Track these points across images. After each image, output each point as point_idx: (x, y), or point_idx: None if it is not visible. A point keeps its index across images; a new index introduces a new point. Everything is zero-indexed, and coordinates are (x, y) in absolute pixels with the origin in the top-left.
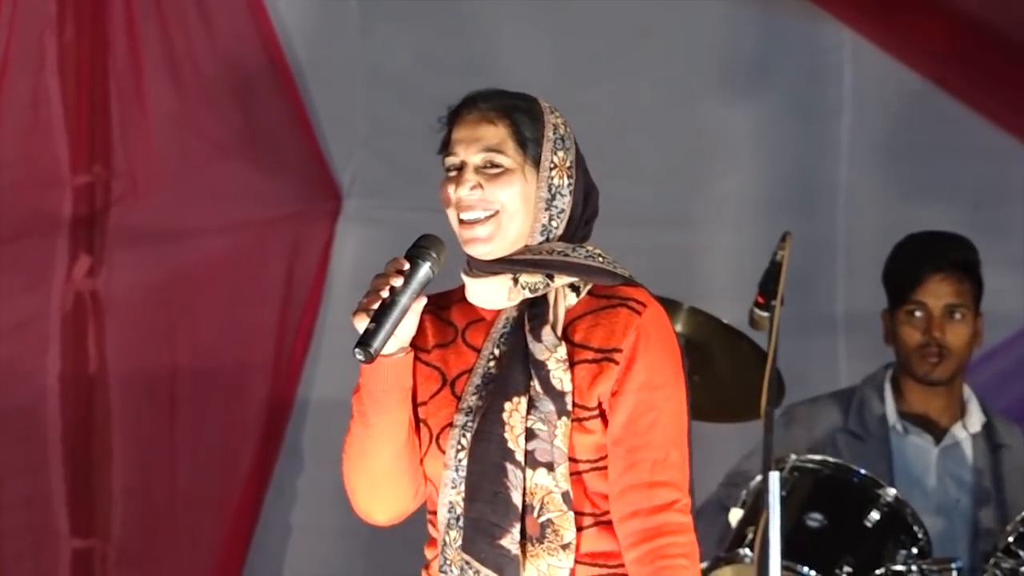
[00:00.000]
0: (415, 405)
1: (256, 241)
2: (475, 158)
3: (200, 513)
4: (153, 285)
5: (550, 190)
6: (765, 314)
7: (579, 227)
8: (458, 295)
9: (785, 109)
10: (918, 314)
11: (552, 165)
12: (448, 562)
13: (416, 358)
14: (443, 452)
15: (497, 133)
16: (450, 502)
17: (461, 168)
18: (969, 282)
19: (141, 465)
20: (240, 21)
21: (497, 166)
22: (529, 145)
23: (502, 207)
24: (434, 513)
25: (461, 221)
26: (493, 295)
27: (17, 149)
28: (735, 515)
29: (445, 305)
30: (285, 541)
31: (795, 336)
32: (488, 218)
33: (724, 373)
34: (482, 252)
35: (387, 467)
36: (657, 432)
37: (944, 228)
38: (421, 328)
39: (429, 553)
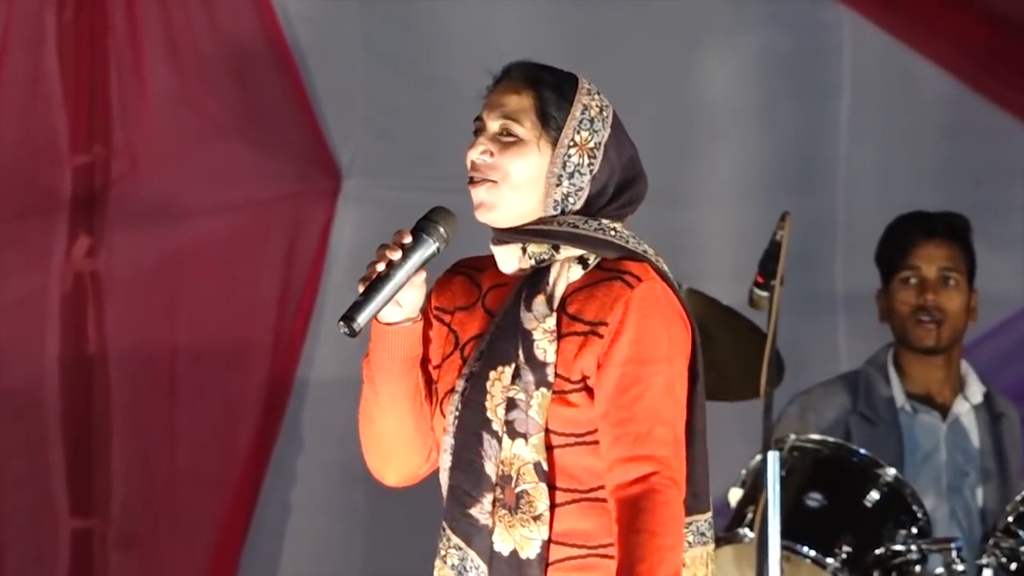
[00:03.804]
0: (431, 368)
1: (256, 220)
2: (494, 124)
3: (200, 492)
4: (153, 265)
5: (565, 167)
6: (765, 294)
7: (606, 208)
8: (494, 259)
9: (784, 88)
10: (912, 280)
11: (572, 143)
12: (444, 529)
13: (439, 319)
14: (444, 416)
15: (520, 103)
16: (447, 468)
17: (481, 132)
18: (961, 249)
19: (141, 445)
20: (239, 0)
21: (512, 135)
22: (551, 120)
23: (507, 177)
24: None
25: (469, 180)
26: (510, 262)
27: (17, 128)
28: (734, 495)
29: (481, 268)
30: (285, 520)
31: (794, 316)
32: (490, 184)
33: (723, 353)
34: (487, 218)
35: (394, 432)
36: (641, 406)
37: (943, 208)
38: (451, 289)
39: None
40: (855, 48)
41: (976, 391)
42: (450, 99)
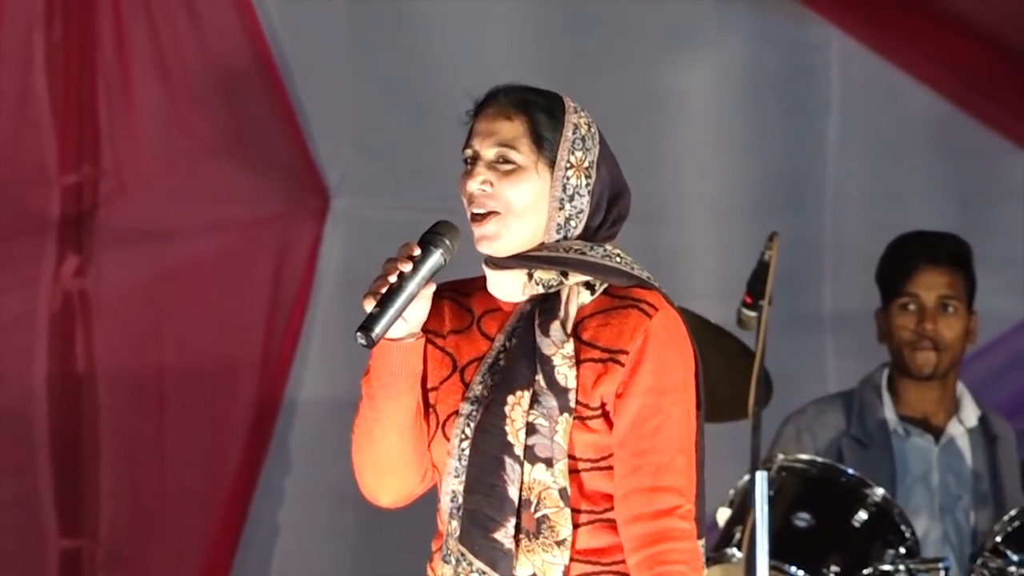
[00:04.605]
0: (426, 389)
1: (244, 240)
2: (488, 152)
3: (188, 512)
4: (141, 284)
5: (565, 190)
6: (753, 313)
7: (602, 227)
8: (480, 283)
9: (772, 108)
10: (911, 307)
11: (568, 165)
12: (449, 551)
13: (431, 342)
14: (448, 439)
15: (513, 128)
16: (452, 491)
17: (475, 161)
18: (962, 276)
19: (129, 464)
20: (228, 19)
21: (509, 162)
22: (545, 143)
23: (509, 206)
24: (440, 502)
25: (471, 216)
26: (509, 288)
27: (4, 148)
28: (722, 514)
29: (466, 292)
30: (273, 540)
31: (782, 335)
32: (495, 216)
33: (711, 373)
34: (492, 249)
35: (393, 451)
36: (662, 436)
37: (931, 226)
38: (439, 313)
39: (434, 546)
40: (843, 68)
41: (971, 414)
42: (439, 119)
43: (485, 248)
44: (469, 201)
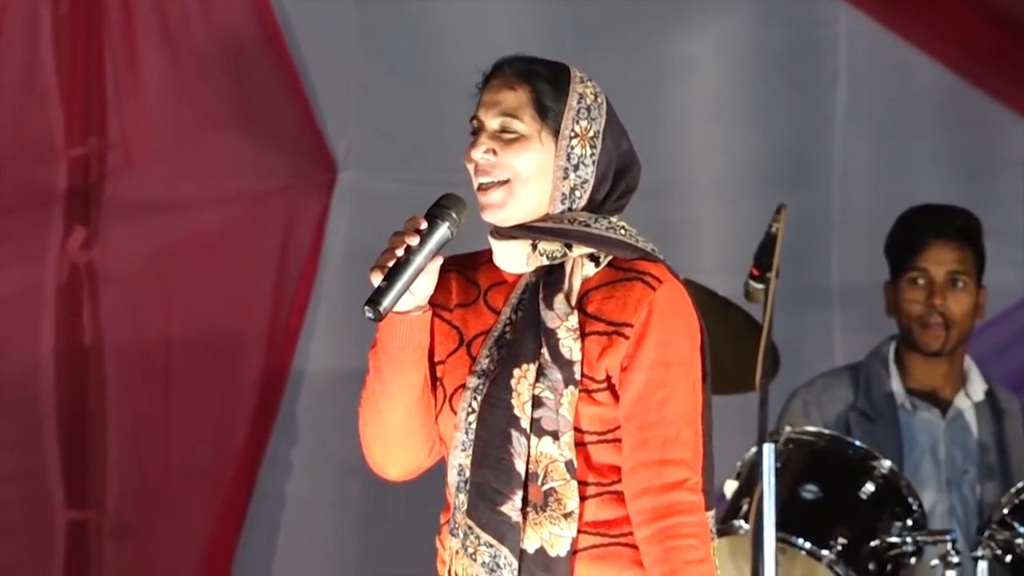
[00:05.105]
0: (433, 363)
1: (251, 213)
2: (492, 122)
3: (195, 484)
4: (148, 257)
5: (569, 159)
6: (760, 286)
7: (609, 198)
8: (486, 256)
9: (780, 82)
10: (920, 281)
11: (573, 134)
12: (456, 525)
13: (438, 316)
14: (455, 413)
15: (516, 98)
16: (459, 464)
17: (479, 131)
18: (971, 251)
19: (136, 437)
20: None
21: (512, 131)
22: (549, 112)
23: (515, 174)
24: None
25: (478, 185)
26: (513, 259)
27: (11, 121)
28: (730, 487)
29: (472, 266)
30: (280, 513)
31: (790, 308)
32: (500, 184)
33: (718, 345)
34: (497, 218)
35: (400, 424)
36: (668, 409)
37: (938, 199)
38: (446, 286)
39: (442, 518)
40: (850, 42)
41: (978, 388)
42: (445, 93)
43: (490, 217)
44: (475, 171)
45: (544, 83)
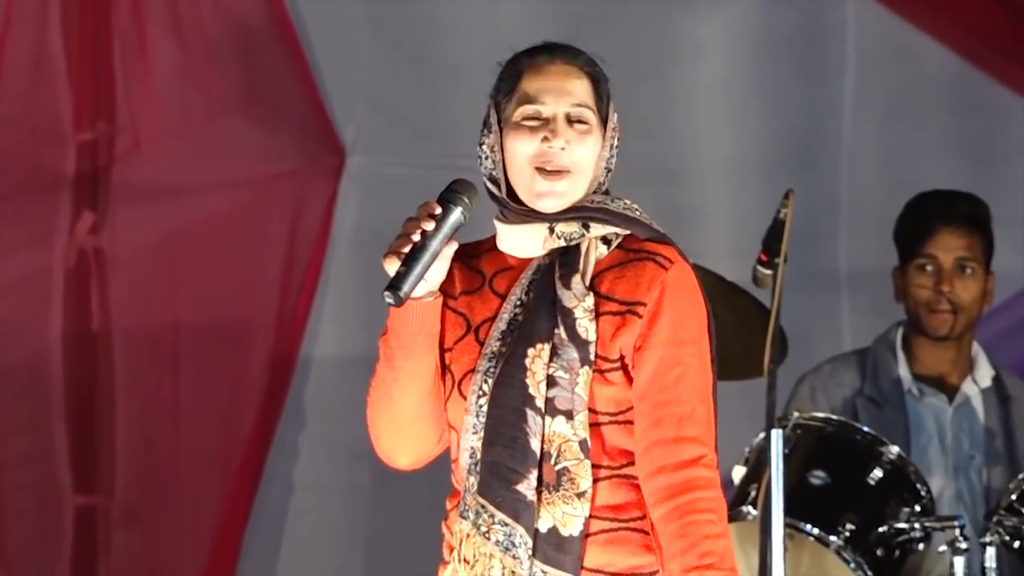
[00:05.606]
0: (441, 351)
1: (259, 198)
2: (562, 110)
3: (203, 470)
4: (156, 242)
5: (611, 149)
6: (768, 271)
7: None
8: (487, 245)
9: (788, 66)
10: (928, 268)
11: (614, 126)
12: (467, 507)
13: (444, 304)
14: (464, 398)
15: (585, 89)
16: (471, 447)
17: (549, 119)
18: (980, 237)
19: (144, 422)
20: None
21: (584, 122)
22: (603, 104)
23: (582, 166)
24: (456, 461)
25: (543, 171)
26: (527, 243)
27: (20, 105)
28: (738, 472)
29: (474, 254)
30: (288, 498)
31: (798, 293)
32: (567, 174)
33: (726, 331)
34: (551, 206)
35: (412, 412)
36: (683, 387)
37: (945, 185)
38: (449, 275)
39: (449, 504)
40: (859, 26)
41: (985, 374)
42: (453, 77)
43: (550, 205)
44: (541, 157)
45: (600, 73)
